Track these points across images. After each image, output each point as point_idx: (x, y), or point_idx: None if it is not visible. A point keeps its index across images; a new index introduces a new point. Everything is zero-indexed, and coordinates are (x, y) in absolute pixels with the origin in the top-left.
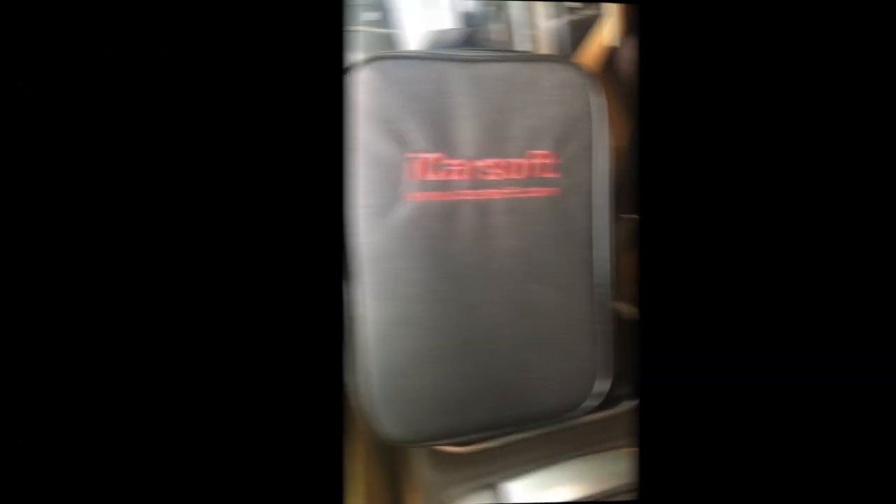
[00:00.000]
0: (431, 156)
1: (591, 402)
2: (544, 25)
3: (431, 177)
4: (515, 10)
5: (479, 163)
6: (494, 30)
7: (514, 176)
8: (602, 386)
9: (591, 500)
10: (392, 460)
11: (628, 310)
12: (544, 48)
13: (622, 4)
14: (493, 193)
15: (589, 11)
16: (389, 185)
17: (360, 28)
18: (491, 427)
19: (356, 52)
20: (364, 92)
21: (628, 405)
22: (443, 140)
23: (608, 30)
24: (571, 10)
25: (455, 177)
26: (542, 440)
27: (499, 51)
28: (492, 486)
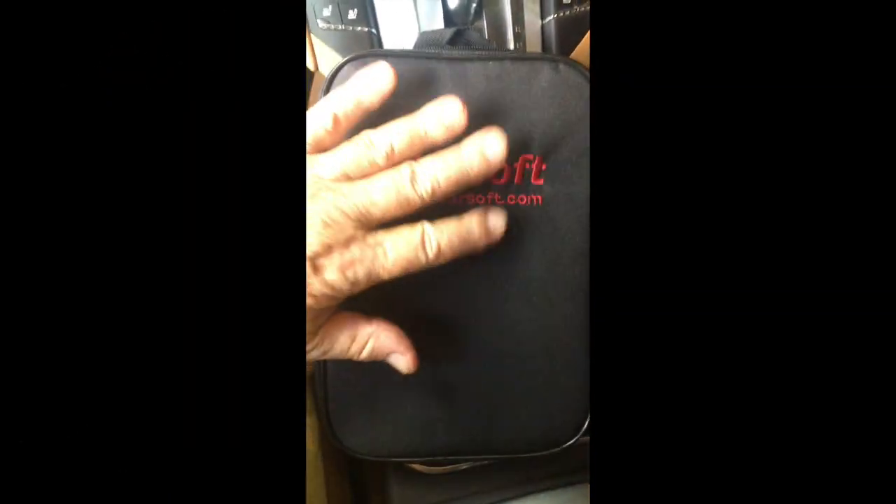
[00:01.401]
0: None
1: (576, 438)
2: (535, 22)
3: None
4: (504, 7)
5: None
6: (481, 27)
7: (496, 181)
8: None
9: None
10: (359, 474)
11: None
12: (535, 46)
13: None
14: (474, 199)
15: (583, 7)
16: None
17: (340, 27)
18: (459, 452)
19: (338, 52)
20: None
21: None
22: None
23: None
24: (564, 5)
25: None
26: (522, 464)
27: (488, 49)
28: None
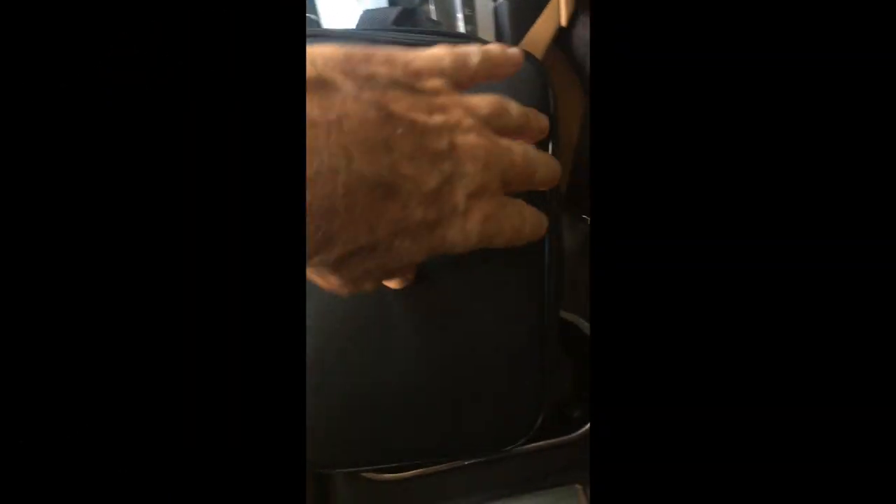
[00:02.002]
0: None
1: (532, 435)
2: (486, 4)
3: None
4: None
5: None
6: (429, 9)
7: None
8: (545, 417)
9: None
10: (315, 486)
11: (585, 324)
12: (487, 30)
13: None
14: None
15: None
16: None
17: None
18: (414, 456)
19: None
20: None
21: (585, 430)
22: None
23: (559, 9)
24: None
25: None
26: (485, 468)
27: (434, 32)
28: None
